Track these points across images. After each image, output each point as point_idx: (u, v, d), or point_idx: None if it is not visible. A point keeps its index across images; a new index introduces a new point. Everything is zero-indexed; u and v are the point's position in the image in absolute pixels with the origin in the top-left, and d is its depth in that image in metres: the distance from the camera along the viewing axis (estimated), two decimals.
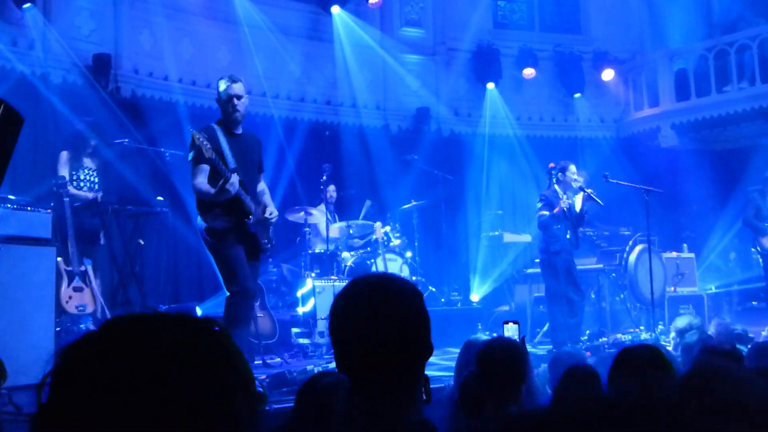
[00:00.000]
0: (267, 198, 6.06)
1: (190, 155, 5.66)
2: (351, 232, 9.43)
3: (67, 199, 7.04)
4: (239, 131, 5.84)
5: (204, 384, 0.91)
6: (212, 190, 5.53)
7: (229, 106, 5.72)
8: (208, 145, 5.46)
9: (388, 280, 1.71)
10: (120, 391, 0.87)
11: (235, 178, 5.50)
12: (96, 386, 0.87)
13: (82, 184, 7.54)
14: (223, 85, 5.76)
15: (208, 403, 0.91)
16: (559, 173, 8.43)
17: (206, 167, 5.59)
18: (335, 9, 11.42)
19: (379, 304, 1.64)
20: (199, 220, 5.75)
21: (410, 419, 1.62)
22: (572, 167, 8.51)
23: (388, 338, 1.60)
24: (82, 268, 6.93)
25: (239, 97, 5.74)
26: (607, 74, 13.18)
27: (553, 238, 8.30)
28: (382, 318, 1.62)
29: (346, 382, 3.77)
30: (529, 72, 12.93)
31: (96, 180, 7.68)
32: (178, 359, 0.91)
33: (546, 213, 8.24)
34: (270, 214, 5.87)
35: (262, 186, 6.10)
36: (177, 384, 0.89)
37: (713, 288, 10.83)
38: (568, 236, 8.34)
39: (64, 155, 7.57)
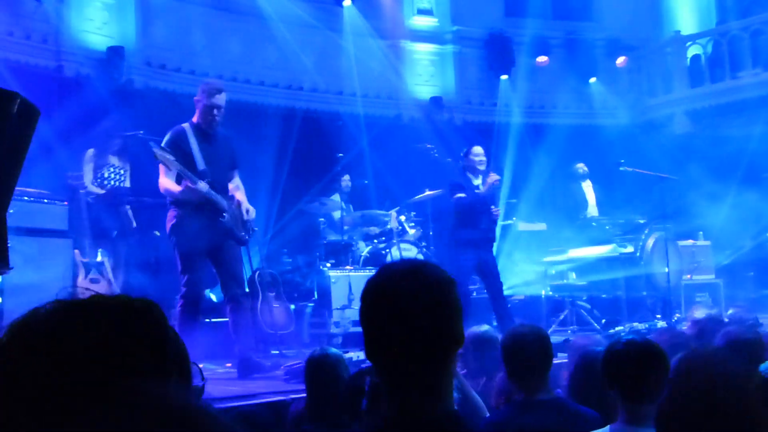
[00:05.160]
0: (241, 195, 6.02)
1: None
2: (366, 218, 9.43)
3: (83, 191, 7.07)
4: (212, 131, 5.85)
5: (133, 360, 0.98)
6: (177, 189, 5.54)
7: (209, 114, 5.73)
8: (172, 158, 5.43)
9: (421, 267, 1.69)
10: (52, 369, 0.93)
11: (202, 185, 5.48)
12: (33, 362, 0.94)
13: (106, 182, 7.56)
14: (206, 91, 5.75)
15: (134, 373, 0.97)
16: None
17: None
18: (347, 2, 11.39)
19: (413, 292, 1.61)
20: (168, 215, 5.69)
21: (440, 410, 1.60)
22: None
23: (420, 326, 1.58)
24: (99, 260, 6.96)
25: (219, 108, 5.75)
26: (621, 61, 13.10)
27: None
28: (414, 305, 1.60)
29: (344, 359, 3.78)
30: (541, 60, 12.87)
31: (122, 178, 7.68)
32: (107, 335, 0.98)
33: None
34: (247, 212, 5.89)
35: (236, 182, 6.05)
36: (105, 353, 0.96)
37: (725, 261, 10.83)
38: None
39: (90, 153, 7.61)
